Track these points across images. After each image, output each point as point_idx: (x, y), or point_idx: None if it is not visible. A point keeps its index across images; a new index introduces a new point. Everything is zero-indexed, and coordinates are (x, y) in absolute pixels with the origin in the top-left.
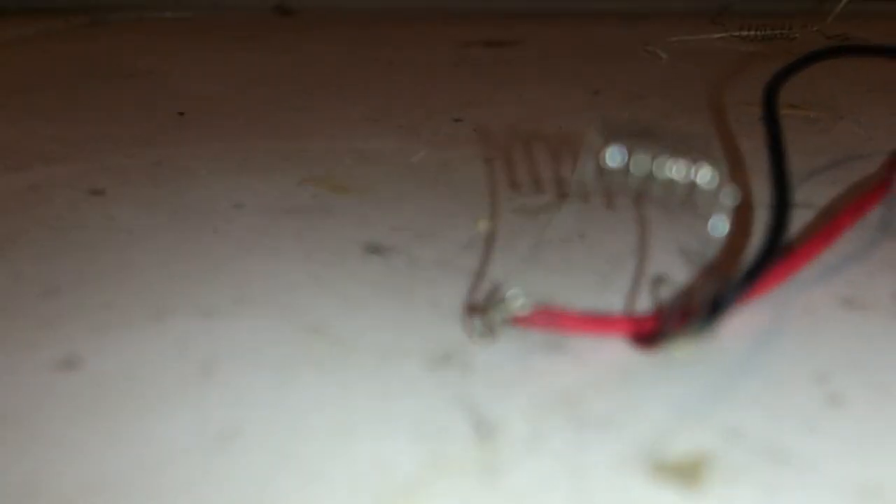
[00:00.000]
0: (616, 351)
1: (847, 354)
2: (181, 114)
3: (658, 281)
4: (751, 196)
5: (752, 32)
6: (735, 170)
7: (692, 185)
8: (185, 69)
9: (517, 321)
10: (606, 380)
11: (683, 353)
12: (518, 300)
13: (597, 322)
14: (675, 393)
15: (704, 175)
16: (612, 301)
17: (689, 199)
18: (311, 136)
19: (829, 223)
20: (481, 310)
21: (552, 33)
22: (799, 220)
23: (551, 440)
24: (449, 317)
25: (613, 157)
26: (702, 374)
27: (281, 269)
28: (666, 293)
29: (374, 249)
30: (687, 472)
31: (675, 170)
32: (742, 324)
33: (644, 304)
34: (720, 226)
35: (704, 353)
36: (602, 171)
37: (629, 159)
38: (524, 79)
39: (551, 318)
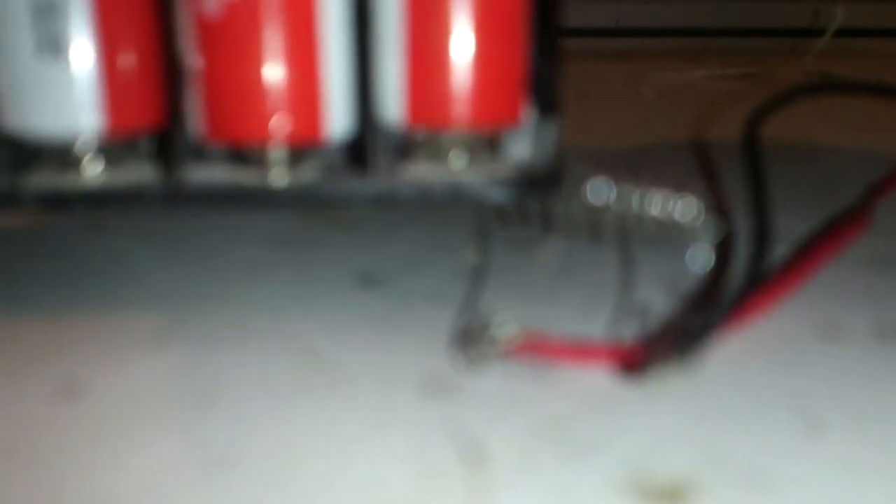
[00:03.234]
0: (601, 379)
1: (827, 384)
2: None
3: (642, 311)
4: (733, 228)
5: (734, 70)
6: (717, 203)
7: (675, 219)
8: None
9: (505, 350)
10: (592, 407)
11: (666, 382)
12: (506, 329)
13: (583, 351)
14: (658, 420)
15: (687, 209)
16: (598, 331)
17: (672, 233)
18: None
19: (809, 255)
20: (470, 338)
21: None
22: (779, 252)
23: (538, 466)
24: (439, 345)
25: (597, 191)
26: (685, 402)
27: (276, 299)
28: (650, 323)
29: (367, 280)
30: (670, 496)
31: (658, 204)
32: (724, 353)
33: (629, 333)
34: (703, 258)
35: (687, 382)
36: (587, 205)
37: (613, 193)
38: None
39: (538, 347)
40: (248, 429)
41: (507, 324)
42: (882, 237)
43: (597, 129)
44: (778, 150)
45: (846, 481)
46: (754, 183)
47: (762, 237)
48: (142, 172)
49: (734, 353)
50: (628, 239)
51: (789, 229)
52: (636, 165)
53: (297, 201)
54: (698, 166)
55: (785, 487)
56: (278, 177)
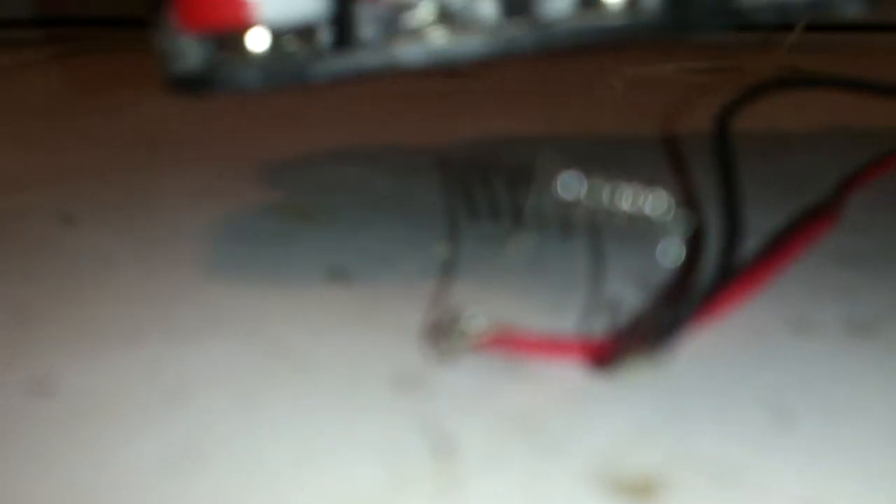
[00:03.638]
0: (572, 373)
1: (797, 376)
2: (150, 142)
3: (613, 306)
4: (703, 223)
5: (705, 64)
6: (687, 197)
7: (646, 213)
8: (156, 100)
9: (476, 344)
10: (562, 401)
11: (637, 376)
12: (476, 323)
13: (553, 345)
14: (629, 414)
15: (657, 203)
16: (568, 325)
17: (642, 227)
18: (277, 164)
19: (780, 249)
20: (441, 332)
21: (511, 65)
22: (750, 247)
23: (509, 459)
24: (410, 339)
25: (568, 185)
26: (655, 396)
27: (247, 294)
28: (620, 318)
29: (338, 275)
30: (640, 489)
31: (628, 198)
32: (694, 347)
33: (599, 328)
34: (673, 252)
35: (658, 376)
36: (557, 199)
37: (584, 188)
38: (482, 109)
39: (509, 342)
40: (218, 423)
41: (477, 318)
42: (852, 232)
43: (566, 123)
44: (748, 145)
45: (816, 475)
46: (725, 177)
47: (733, 231)
48: None
49: (705, 347)
50: (599, 233)
51: (760, 224)
52: (606, 159)
53: None
54: (668, 160)
55: (755, 481)
56: None
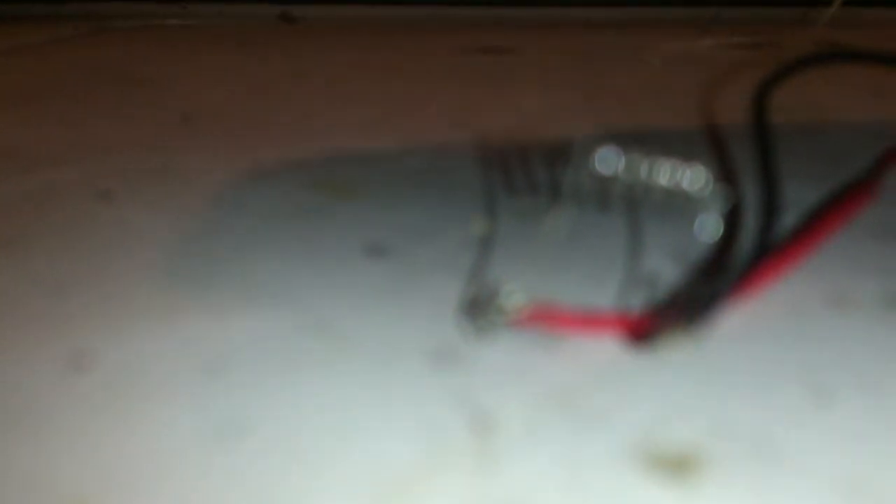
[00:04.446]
0: (610, 349)
1: (835, 352)
2: (186, 118)
3: (650, 281)
4: (741, 198)
5: (743, 39)
6: (726, 173)
7: (684, 188)
8: (191, 75)
9: (513, 319)
10: (600, 377)
11: (675, 351)
12: (514, 298)
13: (591, 321)
14: (667, 389)
15: (695, 178)
16: (606, 300)
17: (680, 202)
18: (314, 140)
19: (818, 224)
20: (478, 308)
21: (548, 41)
22: (788, 221)
23: (547, 435)
24: (447, 316)
25: (606, 160)
26: (693, 372)
27: (284, 269)
28: (658, 293)
29: (375, 251)
30: (679, 464)
31: (666, 173)
32: (733, 323)
33: (637, 303)
34: (711, 227)
35: (695, 351)
36: (595, 174)
37: (621, 163)
38: (520, 85)
39: (547, 317)
40: (256, 398)
41: (515, 293)
42: (890, 206)
43: (604, 98)
44: (787, 120)
45: (853, 450)
46: (763, 152)
47: (770, 207)
48: None
49: (742, 322)
50: (637, 208)
51: (797, 199)
52: (644, 135)
53: None
54: (706, 135)
55: (792, 457)
56: None
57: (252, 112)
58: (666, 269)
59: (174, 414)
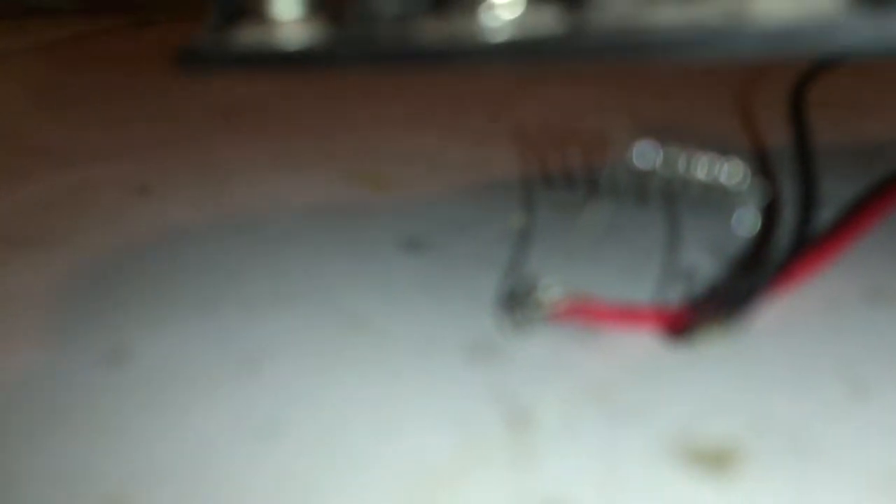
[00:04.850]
0: (647, 343)
1: (872, 347)
2: (225, 114)
3: (688, 275)
4: (779, 192)
5: None
6: (763, 167)
7: (721, 182)
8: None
9: (551, 313)
10: (638, 371)
11: (713, 345)
12: (551, 292)
13: (629, 314)
14: (704, 384)
15: (733, 172)
16: (644, 294)
17: (718, 196)
18: (352, 135)
19: (856, 218)
20: (516, 302)
21: None
22: (825, 216)
23: (584, 430)
24: (485, 309)
25: (643, 154)
26: (731, 366)
27: (322, 264)
28: (696, 287)
29: (413, 245)
30: (717, 459)
31: (704, 167)
32: (770, 317)
33: (675, 297)
34: (749, 221)
35: (733, 346)
36: (632, 168)
37: (659, 157)
38: (557, 78)
39: (584, 311)
40: (293, 394)
41: (552, 287)
42: None
43: (642, 92)
44: (824, 114)
45: (891, 444)
46: (800, 146)
47: (808, 200)
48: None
49: (780, 317)
50: (674, 202)
51: (835, 193)
52: (682, 128)
53: None
54: (744, 129)
55: (830, 451)
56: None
57: (291, 107)
58: (703, 263)
59: (212, 410)
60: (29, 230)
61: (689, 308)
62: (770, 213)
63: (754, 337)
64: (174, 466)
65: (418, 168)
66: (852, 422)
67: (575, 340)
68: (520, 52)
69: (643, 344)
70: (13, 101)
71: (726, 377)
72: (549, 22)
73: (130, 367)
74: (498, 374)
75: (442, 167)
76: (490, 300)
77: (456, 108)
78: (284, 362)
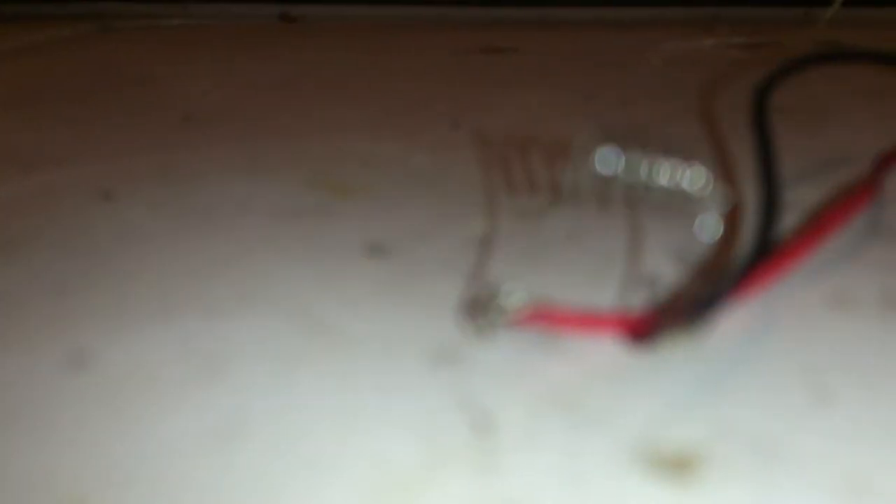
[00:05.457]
0: (610, 349)
1: (835, 352)
2: (187, 118)
3: (651, 281)
4: (741, 198)
5: (744, 39)
6: (726, 172)
7: (684, 188)
8: (192, 75)
9: (513, 319)
10: (600, 376)
11: (675, 351)
12: (514, 298)
13: (591, 320)
14: (667, 389)
15: (696, 178)
16: (606, 300)
17: (680, 202)
18: (314, 140)
19: (818, 224)
20: (478, 308)
21: (547, 40)
22: (788, 222)
23: (547, 436)
24: (448, 315)
25: (605, 160)
26: (693, 372)
27: (284, 269)
28: (658, 293)
29: (375, 250)
30: (679, 464)
31: (666, 173)
32: (732, 323)
33: (637, 303)
34: (711, 227)
35: (696, 351)
36: (595, 174)
37: (621, 163)
38: (520, 84)
39: (547, 317)
40: (255, 398)
41: (515, 293)
42: (890, 207)
43: (604, 98)
44: (787, 120)
45: (853, 449)
46: (763, 152)
47: (771, 206)
48: None
49: (743, 322)
50: (636, 208)
51: (798, 199)
52: (644, 134)
53: None
54: (707, 135)
55: (793, 457)
56: None
57: (253, 111)
58: (666, 268)
59: (173, 413)
60: None
61: (651, 314)
62: (732, 219)
63: (717, 343)
64: (136, 469)
65: (380, 174)
66: (815, 427)
67: (538, 346)
68: None
69: (606, 350)
70: None
71: (689, 383)
72: None
73: (92, 370)
74: (461, 379)
75: (403, 173)
76: (453, 306)
77: (417, 113)
78: (247, 366)
